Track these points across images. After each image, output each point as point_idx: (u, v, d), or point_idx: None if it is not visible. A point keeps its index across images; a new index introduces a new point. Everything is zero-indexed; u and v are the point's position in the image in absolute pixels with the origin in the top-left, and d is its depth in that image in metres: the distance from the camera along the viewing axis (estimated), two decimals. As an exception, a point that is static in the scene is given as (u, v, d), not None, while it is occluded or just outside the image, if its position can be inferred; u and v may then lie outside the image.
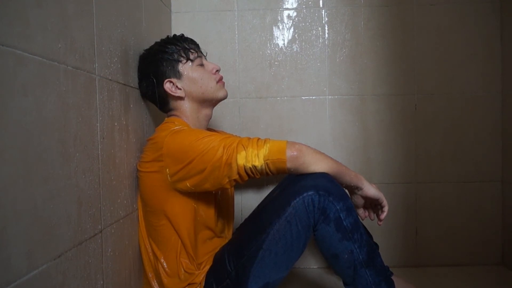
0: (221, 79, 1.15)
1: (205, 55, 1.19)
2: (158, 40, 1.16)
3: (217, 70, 1.15)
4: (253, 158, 0.92)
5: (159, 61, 1.10)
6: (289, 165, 0.93)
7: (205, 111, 1.15)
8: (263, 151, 0.93)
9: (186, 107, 1.12)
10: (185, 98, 1.11)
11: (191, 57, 1.12)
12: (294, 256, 0.96)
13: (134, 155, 1.07)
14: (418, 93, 1.54)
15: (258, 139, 0.96)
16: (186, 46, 1.12)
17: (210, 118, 1.19)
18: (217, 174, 0.93)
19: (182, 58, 1.10)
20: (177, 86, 1.10)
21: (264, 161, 0.92)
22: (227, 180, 0.94)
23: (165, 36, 1.17)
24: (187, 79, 1.10)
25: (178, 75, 1.10)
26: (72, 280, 0.74)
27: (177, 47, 1.11)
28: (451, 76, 1.53)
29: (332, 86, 1.55)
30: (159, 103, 1.13)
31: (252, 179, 0.97)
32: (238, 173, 0.93)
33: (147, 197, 1.05)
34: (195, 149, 0.94)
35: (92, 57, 0.85)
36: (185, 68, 1.11)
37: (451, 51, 1.53)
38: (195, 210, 1.04)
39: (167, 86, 1.10)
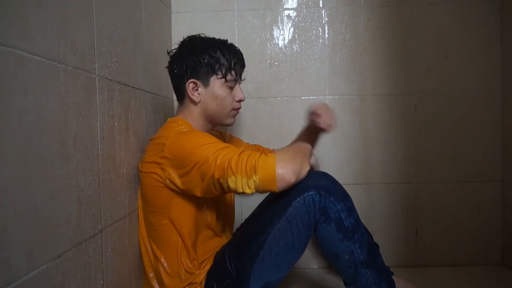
0: (238, 109, 1.15)
1: (243, 79, 1.17)
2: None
3: (240, 100, 1.14)
4: (243, 186, 0.90)
5: (200, 60, 1.08)
6: (280, 190, 0.91)
7: (209, 125, 1.15)
8: (253, 182, 0.89)
9: (195, 112, 1.11)
10: (198, 105, 1.11)
11: (228, 77, 1.10)
12: (295, 255, 0.96)
13: (134, 155, 1.07)
14: (418, 93, 1.54)
15: (248, 160, 0.90)
16: (232, 64, 1.10)
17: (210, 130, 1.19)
18: (213, 188, 0.94)
19: (219, 73, 1.09)
20: (197, 90, 1.10)
21: (255, 189, 0.91)
22: (223, 192, 0.95)
23: (197, 36, 1.15)
24: (210, 92, 1.09)
25: (206, 83, 1.09)
26: (72, 280, 0.74)
27: (224, 59, 1.09)
28: (451, 76, 1.54)
29: (332, 86, 1.55)
30: (176, 91, 1.15)
31: None
32: (230, 191, 0.93)
33: (149, 197, 1.05)
34: (192, 158, 0.93)
35: (92, 57, 0.85)
36: (216, 82, 1.09)
37: (451, 51, 1.53)
38: (196, 210, 1.04)
39: (190, 85, 1.09)
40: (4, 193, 0.57)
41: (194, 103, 1.10)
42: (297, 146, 1.02)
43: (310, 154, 1.01)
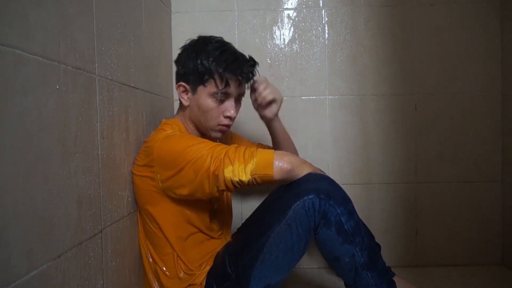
0: (226, 126, 1.08)
1: (241, 94, 1.09)
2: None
3: (228, 116, 1.06)
4: (240, 172, 0.90)
5: (192, 66, 1.03)
6: (276, 178, 0.92)
7: (198, 132, 1.14)
8: (250, 166, 0.90)
9: (186, 115, 1.11)
10: (187, 109, 1.09)
11: (216, 89, 1.03)
12: (295, 258, 0.96)
13: (134, 155, 1.07)
14: (418, 93, 1.54)
15: (245, 150, 0.93)
16: (223, 77, 1.02)
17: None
18: (206, 184, 0.93)
19: (207, 84, 1.03)
20: (187, 94, 1.08)
21: (251, 176, 0.91)
22: (216, 189, 0.94)
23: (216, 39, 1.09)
24: (196, 101, 1.06)
25: (193, 91, 1.06)
26: (72, 280, 0.74)
27: (215, 71, 1.01)
28: (451, 76, 1.53)
29: (332, 86, 1.55)
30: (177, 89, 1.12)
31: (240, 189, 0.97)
32: (225, 185, 0.92)
33: (141, 201, 1.05)
34: (185, 157, 0.93)
35: (92, 57, 0.85)
36: (202, 92, 1.04)
37: (451, 51, 1.53)
38: (187, 214, 1.03)
39: (180, 88, 1.08)
40: (4, 193, 0.57)
41: (184, 106, 1.10)
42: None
43: (313, 167, 1.01)
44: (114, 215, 0.95)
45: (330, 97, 1.55)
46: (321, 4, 1.55)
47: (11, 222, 0.58)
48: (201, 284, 1.02)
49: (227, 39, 1.52)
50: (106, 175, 0.90)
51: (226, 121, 1.07)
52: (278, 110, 1.19)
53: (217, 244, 1.11)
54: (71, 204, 0.75)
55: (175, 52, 1.52)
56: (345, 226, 0.93)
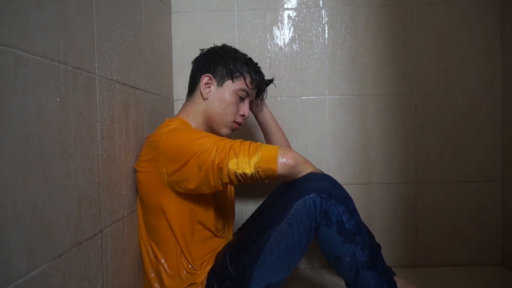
0: (238, 124, 1.17)
1: (254, 100, 1.24)
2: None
3: (243, 115, 1.16)
4: (244, 165, 0.91)
5: (224, 62, 1.13)
6: (279, 173, 0.93)
7: (207, 128, 1.16)
8: (254, 159, 0.92)
9: (200, 108, 1.13)
10: (205, 101, 1.13)
11: (244, 86, 1.14)
12: (295, 258, 0.96)
13: (134, 155, 1.07)
14: (418, 93, 1.54)
15: (250, 144, 0.95)
16: (251, 79, 1.15)
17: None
18: (211, 176, 0.93)
19: (236, 80, 1.13)
20: (210, 87, 1.13)
21: (254, 169, 0.92)
22: (220, 182, 0.94)
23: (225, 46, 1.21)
24: (220, 93, 1.13)
25: (220, 83, 1.13)
26: (72, 280, 0.74)
27: (246, 73, 1.14)
28: (451, 76, 1.54)
29: (332, 86, 1.55)
30: (190, 84, 1.19)
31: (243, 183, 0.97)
32: (229, 177, 0.93)
33: (146, 197, 1.05)
34: (189, 150, 0.93)
35: (92, 57, 0.85)
36: (229, 86, 1.13)
37: (451, 51, 1.53)
38: (192, 210, 1.04)
39: (205, 79, 1.13)
40: (4, 193, 0.57)
41: (202, 98, 1.13)
42: None
43: (315, 167, 1.02)
44: (114, 215, 0.95)
45: (330, 97, 1.55)
46: (321, 4, 1.55)
47: (11, 222, 0.58)
48: (202, 283, 1.02)
49: (227, 39, 1.54)
50: (106, 175, 0.90)
51: (240, 119, 1.17)
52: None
53: (219, 243, 1.12)
54: (71, 204, 0.75)
55: (175, 52, 1.54)
56: (346, 225, 0.93)
